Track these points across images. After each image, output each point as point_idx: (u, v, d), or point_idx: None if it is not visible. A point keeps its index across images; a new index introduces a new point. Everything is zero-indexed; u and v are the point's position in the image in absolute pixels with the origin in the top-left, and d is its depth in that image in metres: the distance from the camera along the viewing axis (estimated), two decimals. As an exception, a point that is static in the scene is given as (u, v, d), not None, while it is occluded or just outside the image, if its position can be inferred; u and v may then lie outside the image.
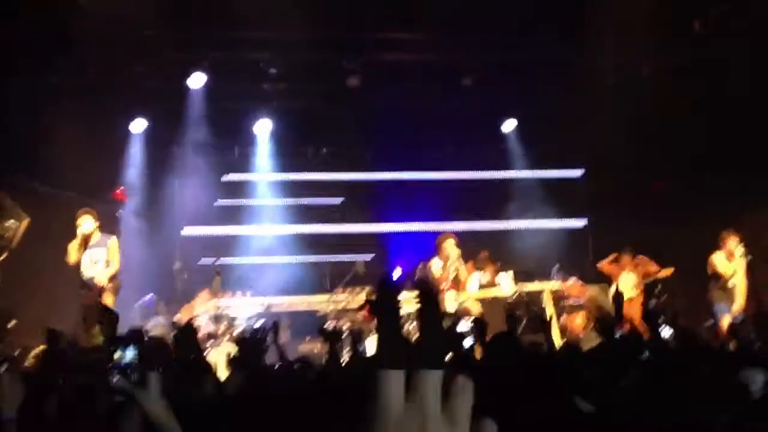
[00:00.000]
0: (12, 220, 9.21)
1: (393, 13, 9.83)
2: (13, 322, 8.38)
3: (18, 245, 9.16)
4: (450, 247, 9.43)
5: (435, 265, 9.49)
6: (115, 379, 3.41)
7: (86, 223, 8.66)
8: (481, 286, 10.02)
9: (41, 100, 9.46)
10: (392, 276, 10.02)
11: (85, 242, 8.61)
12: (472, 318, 6.60)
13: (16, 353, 7.88)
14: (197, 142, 11.50)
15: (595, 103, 11.40)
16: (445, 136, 12.54)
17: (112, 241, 8.81)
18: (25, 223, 9.28)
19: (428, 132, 12.25)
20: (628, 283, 10.24)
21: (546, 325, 5.67)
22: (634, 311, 8.98)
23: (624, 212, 11.56)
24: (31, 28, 8.65)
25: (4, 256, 8.96)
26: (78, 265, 8.60)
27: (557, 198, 12.58)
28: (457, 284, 9.50)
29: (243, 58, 10.84)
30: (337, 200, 12.47)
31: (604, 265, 10.66)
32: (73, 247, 8.59)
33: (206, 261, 11.48)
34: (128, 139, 11.39)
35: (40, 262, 9.38)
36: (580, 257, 12.29)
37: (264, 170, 12.36)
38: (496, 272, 10.37)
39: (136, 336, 4.38)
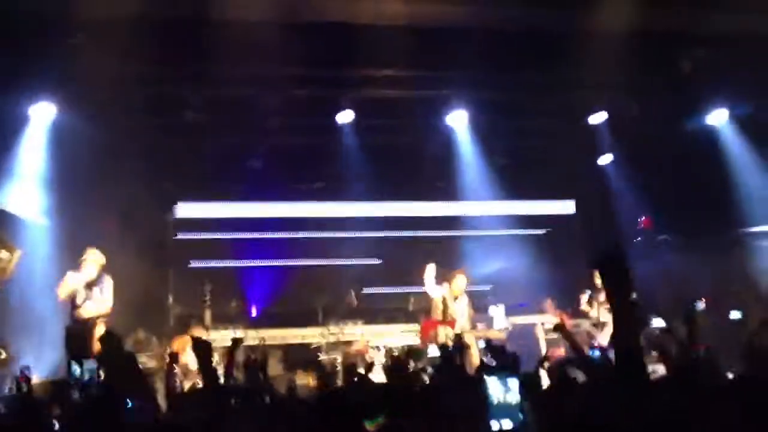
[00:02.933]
0: (4, 251, 9.22)
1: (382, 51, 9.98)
2: (2, 354, 8.38)
3: (10, 277, 9.16)
4: (459, 282, 9.60)
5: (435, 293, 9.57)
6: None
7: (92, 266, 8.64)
8: (473, 319, 10.06)
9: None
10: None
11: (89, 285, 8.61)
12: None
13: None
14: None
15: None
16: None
17: (109, 282, 8.80)
18: (17, 254, 9.30)
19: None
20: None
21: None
22: None
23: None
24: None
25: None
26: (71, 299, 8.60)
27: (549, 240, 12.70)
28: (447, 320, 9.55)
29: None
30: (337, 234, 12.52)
31: None
32: (70, 284, 8.57)
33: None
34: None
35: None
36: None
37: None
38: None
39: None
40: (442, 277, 9.72)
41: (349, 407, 3.66)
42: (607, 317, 9.35)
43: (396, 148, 12.07)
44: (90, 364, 6.10)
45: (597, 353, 5.03)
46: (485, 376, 3.37)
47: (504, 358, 4.70)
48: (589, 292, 9.87)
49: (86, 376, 4.85)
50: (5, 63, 8.64)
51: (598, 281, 9.43)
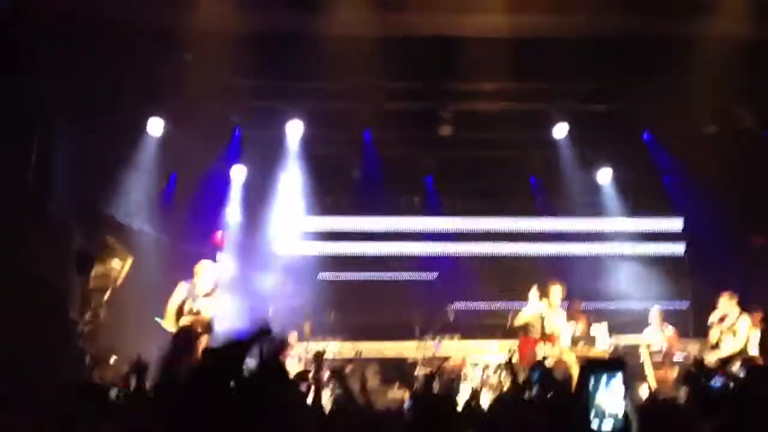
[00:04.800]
0: (117, 260, 9.63)
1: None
2: (113, 358, 8.71)
3: (122, 284, 9.55)
4: (555, 294, 9.38)
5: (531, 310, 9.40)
6: None
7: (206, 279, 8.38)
8: (575, 339, 9.73)
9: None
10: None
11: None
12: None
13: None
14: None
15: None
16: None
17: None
18: (129, 262, 9.69)
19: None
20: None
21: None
22: None
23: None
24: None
25: (108, 294, 9.34)
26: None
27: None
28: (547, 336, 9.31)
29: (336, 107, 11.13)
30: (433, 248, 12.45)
31: None
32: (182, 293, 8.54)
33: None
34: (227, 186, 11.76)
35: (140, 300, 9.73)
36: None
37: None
38: (589, 324, 10.07)
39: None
40: (540, 292, 9.50)
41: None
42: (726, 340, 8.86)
43: (497, 161, 11.94)
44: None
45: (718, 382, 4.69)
46: (590, 374, 3.21)
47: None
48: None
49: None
50: (119, 79, 9.06)
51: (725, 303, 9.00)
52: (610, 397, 3.22)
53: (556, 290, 9.50)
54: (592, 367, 3.34)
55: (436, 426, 3.41)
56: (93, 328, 8.81)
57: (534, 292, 9.43)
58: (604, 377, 3.19)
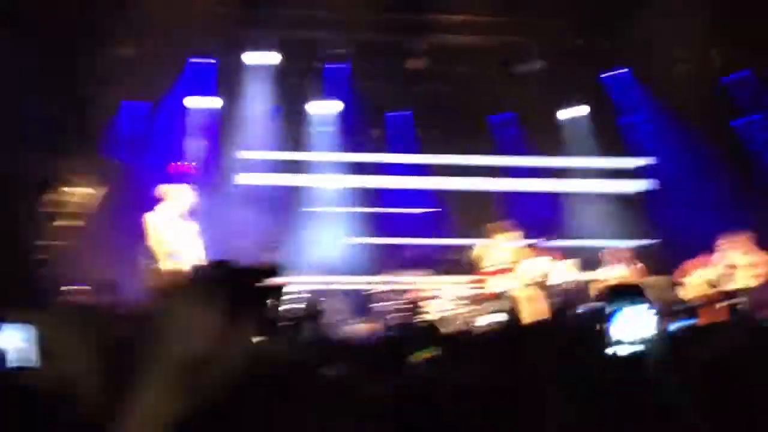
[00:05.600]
0: (85, 189, 9.57)
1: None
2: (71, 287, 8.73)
3: (84, 212, 9.52)
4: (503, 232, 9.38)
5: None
6: None
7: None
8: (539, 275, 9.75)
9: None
10: None
11: None
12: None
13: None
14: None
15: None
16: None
17: None
18: (98, 191, 9.64)
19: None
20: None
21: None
22: None
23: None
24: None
25: (79, 224, 9.32)
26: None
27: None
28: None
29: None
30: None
31: None
32: None
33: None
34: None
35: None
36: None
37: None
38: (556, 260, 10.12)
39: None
40: (494, 229, 9.51)
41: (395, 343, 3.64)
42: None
43: (466, 96, 11.83)
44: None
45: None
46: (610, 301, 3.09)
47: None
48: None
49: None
50: None
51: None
52: (628, 326, 3.07)
53: (507, 227, 9.47)
54: (616, 292, 3.20)
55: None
56: (52, 255, 8.84)
57: (492, 229, 9.43)
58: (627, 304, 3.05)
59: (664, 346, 3.12)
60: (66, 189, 9.35)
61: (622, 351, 3.00)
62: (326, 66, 11.42)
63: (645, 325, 3.04)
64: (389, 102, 11.97)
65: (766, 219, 9.92)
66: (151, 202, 8.28)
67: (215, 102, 11.44)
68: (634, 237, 11.67)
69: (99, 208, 9.67)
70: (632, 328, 3.03)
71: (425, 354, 3.67)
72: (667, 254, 11.42)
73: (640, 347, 2.99)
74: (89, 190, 9.69)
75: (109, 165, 10.35)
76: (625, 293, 3.22)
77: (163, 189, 8.05)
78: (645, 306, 3.08)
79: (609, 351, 3.01)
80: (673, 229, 11.17)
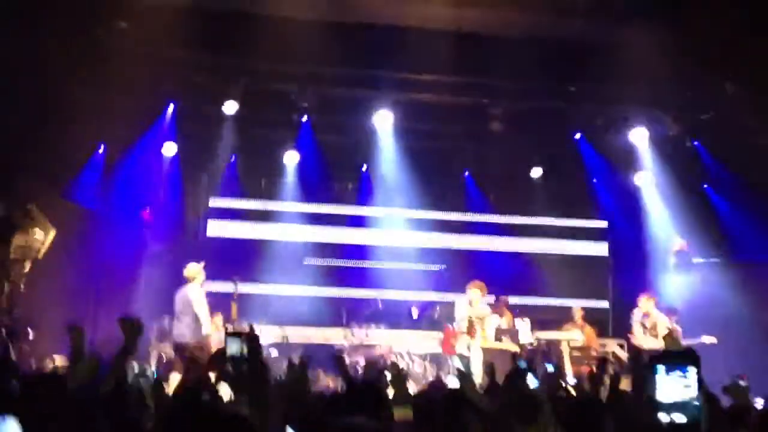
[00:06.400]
0: (39, 230, 9.28)
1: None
2: (31, 333, 8.42)
3: (44, 257, 9.22)
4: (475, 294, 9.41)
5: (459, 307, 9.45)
6: None
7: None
8: (498, 333, 9.83)
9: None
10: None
11: None
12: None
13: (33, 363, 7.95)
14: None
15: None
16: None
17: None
18: (51, 234, 9.36)
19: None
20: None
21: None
22: None
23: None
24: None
25: (29, 266, 9.01)
26: None
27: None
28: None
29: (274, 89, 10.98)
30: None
31: None
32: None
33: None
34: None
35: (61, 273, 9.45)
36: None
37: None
38: (513, 319, 10.25)
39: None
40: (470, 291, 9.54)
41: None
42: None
43: (432, 152, 12.03)
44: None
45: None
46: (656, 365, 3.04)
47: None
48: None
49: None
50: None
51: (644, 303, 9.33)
52: (670, 389, 3.01)
53: (474, 290, 9.52)
54: (665, 357, 3.15)
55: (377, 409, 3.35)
56: (10, 301, 8.52)
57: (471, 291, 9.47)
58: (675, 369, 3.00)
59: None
60: (30, 231, 9.05)
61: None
62: (292, 117, 11.43)
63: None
64: (356, 155, 12.04)
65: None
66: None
67: (174, 149, 11.30)
68: (589, 297, 11.95)
69: (52, 252, 9.39)
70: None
71: (403, 411, 3.64)
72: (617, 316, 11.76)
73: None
74: (43, 233, 9.41)
75: (70, 208, 10.11)
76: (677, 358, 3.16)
77: (194, 269, 8.63)
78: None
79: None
80: (626, 290, 11.45)
